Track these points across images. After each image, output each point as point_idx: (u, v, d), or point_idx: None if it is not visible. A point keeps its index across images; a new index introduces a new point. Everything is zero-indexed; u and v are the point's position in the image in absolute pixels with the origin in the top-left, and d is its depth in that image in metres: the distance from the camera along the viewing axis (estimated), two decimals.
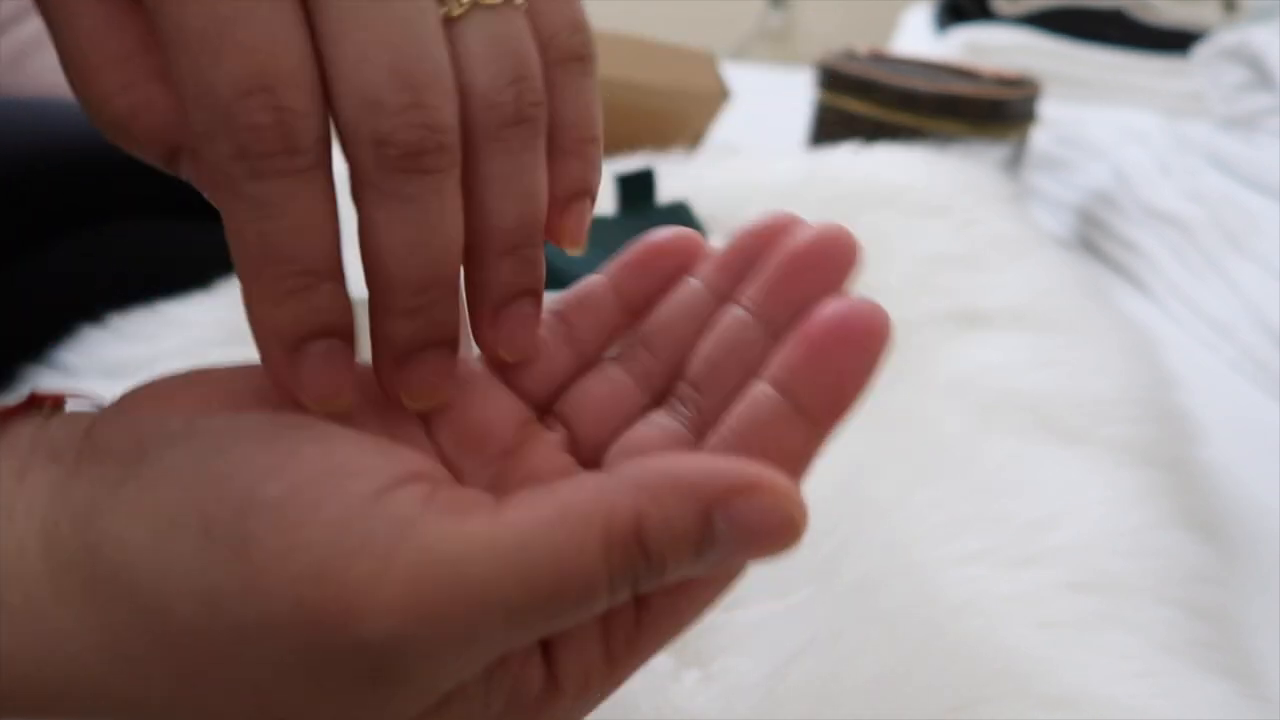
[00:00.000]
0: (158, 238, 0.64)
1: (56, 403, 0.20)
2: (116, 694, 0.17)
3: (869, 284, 0.75)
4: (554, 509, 0.16)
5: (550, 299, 0.24)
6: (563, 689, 0.19)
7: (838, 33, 2.27)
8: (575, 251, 0.23)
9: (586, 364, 0.24)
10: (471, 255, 0.21)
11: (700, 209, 0.68)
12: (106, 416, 0.19)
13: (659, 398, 0.23)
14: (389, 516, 0.16)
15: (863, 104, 0.92)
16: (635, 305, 0.24)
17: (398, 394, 0.21)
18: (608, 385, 0.23)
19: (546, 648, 0.19)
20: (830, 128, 0.96)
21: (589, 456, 0.23)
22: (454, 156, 0.19)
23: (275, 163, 0.18)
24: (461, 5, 0.20)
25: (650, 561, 0.16)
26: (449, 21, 0.19)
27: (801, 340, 0.20)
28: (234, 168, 0.18)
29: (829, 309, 0.20)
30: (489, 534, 0.16)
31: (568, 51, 0.21)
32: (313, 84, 0.18)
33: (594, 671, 0.19)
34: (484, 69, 0.20)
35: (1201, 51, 0.92)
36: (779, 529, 0.17)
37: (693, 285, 0.24)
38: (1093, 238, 0.94)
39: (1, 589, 0.17)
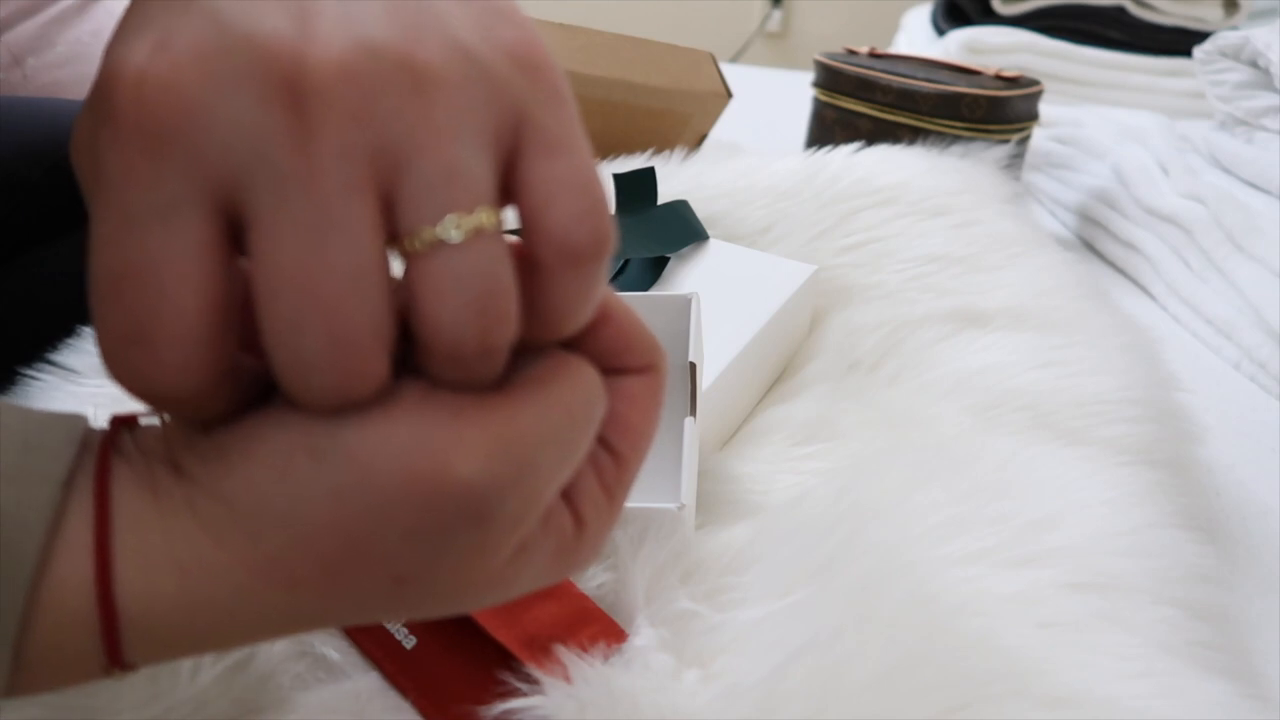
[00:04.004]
0: None
1: (133, 421, 0.23)
2: (275, 610, 0.21)
3: (869, 284, 0.75)
4: (546, 372, 0.22)
5: None
6: (585, 523, 0.24)
7: (838, 33, 2.27)
8: None
9: None
10: None
11: (700, 209, 0.68)
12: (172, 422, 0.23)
13: None
14: (443, 405, 0.20)
15: (862, 104, 0.92)
16: None
17: None
18: None
19: (567, 497, 0.24)
20: (830, 128, 0.96)
21: None
22: (381, 391, 0.20)
23: (150, 402, 0.20)
24: (423, 242, 0.19)
25: None
26: (410, 255, 0.19)
27: None
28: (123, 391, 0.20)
29: None
30: (523, 394, 0.21)
31: (575, 248, 0.20)
32: (204, 338, 0.19)
33: (599, 504, 0.24)
34: (444, 308, 0.19)
35: (1202, 51, 0.92)
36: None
37: None
38: (1093, 238, 0.94)
39: (167, 548, 0.21)
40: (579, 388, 0.22)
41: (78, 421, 0.22)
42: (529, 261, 0.20)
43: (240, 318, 0.20)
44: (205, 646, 0.23)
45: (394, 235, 0.19)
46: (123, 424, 0.23)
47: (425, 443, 0.20)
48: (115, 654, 0.21)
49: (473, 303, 0.19)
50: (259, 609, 0.21)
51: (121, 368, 0.19)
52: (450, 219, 0.19)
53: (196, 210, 0.18)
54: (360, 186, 0.18)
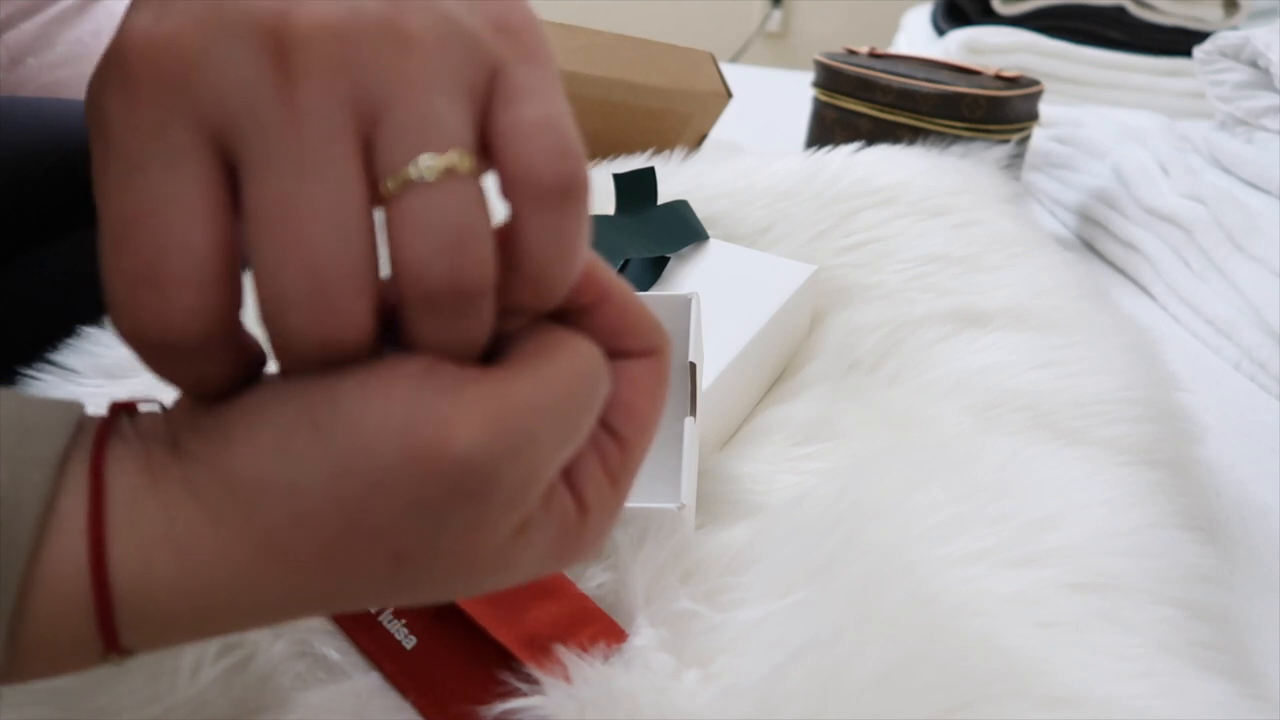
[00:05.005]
0: None
1: (132, 408, 0.23)
2: (274, 592, 0.21)
3: (869, 284, 0.75)
4: (546, 347, 0.22)
5: None
6: (588, 507, 0.24)
7: (838, 33, 2.27)
8: None
9: None
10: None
11: (700, 209, 0.68)
12: (178, 407, 0.23)
13: None
14: (442, 378, 0.21)
15: (862, 104, 0.92)
16: None
17: None
18: None
19: (569, 479, 0.24)
20: (830, 128, 0.96)
21: None
22: (364, 346, 0.20)
23: (157, 354, 0.20)
24: (396, 181, 0.19)
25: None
26: (387, 199, 0.19)
27: None
28: (130, 346, 0.20)
29: None
30: (522, 368, 0.22)
31: (544, 187, 0.20)
32: (211, 281, 0.20)
33: (603, 488, 0.24)
34: (416, 248, 0.19)
35: (1202, 51, 0.92)
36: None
37: None
38: (1093, 238, 0.94)
39: (164, 528, 0.21)
40: (579, 362, 0.23)
41: (74, 407, 0.22)
42: (510, 224, 0.21)
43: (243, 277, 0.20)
44: (204, 631, 0.22)
45: (375, 185, 0.20)
46: (121, 409, 0.23)
47: (423, 414, 0.20)
48: (111, 638, 0.21)
49: (444, 240, 0.19)
50: (257, 591, 0.21)
51: (132, 315, 0.20)
52: (423, 158, 0.19)
53: (198, 153, 0.19)
54: (340, 131, 0.19)
